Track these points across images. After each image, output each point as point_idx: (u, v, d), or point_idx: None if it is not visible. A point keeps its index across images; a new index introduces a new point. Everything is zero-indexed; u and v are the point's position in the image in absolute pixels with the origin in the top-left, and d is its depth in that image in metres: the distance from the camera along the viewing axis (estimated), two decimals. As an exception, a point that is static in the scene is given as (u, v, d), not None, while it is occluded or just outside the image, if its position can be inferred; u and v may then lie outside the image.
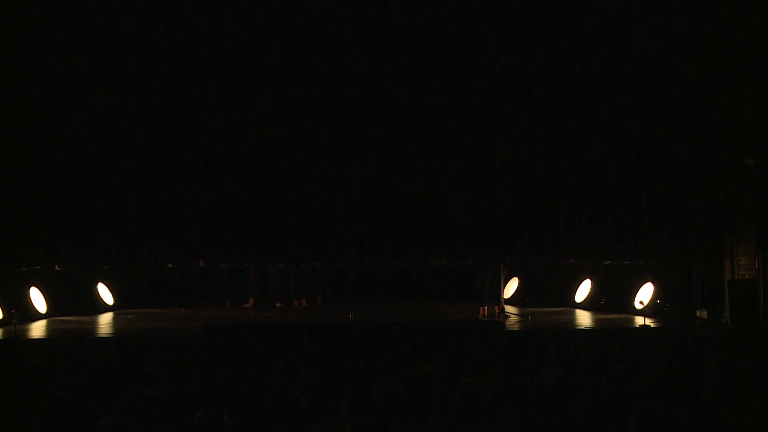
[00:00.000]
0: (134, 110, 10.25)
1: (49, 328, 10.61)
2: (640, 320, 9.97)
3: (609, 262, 11.12)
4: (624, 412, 5.22)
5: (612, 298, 11.51)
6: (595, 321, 10.98)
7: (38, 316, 11.24)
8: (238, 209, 10.46)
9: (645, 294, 10.84)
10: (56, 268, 10.87)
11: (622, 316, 10.96)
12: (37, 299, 11.39)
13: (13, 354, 8.88)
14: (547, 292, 12.47)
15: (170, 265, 10.89)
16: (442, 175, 10.50)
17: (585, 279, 12.21)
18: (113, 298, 12.57)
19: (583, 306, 12.03)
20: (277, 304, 12.60)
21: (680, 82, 10.26)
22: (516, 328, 10.27)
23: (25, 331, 10.20)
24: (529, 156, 10.45)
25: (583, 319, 11.21)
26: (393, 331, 9.38)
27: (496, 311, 10.92)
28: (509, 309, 11.24)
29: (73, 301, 11.90)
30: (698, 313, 10.56)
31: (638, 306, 10.66)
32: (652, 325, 9.82)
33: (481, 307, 11.01)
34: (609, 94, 10.39)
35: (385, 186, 10.46)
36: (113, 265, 10.92)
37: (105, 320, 11.55)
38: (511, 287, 12.39)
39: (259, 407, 5.66)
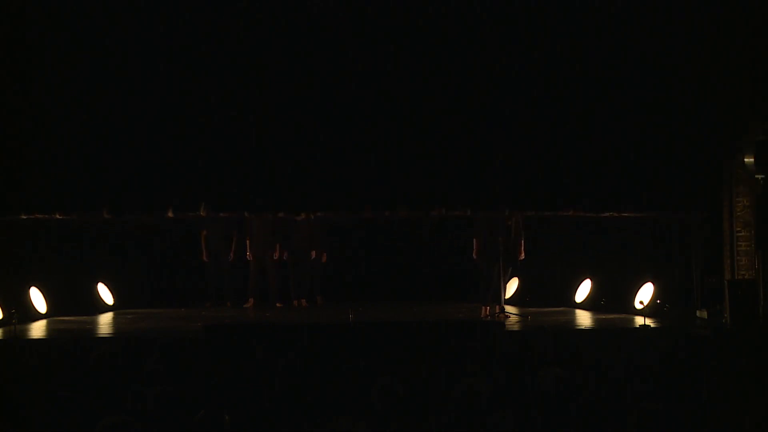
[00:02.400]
0: (136, 60, 10.31)
1: (49, 328, 10.61)
2: (640, 320, 9.97)
3: (608, 214, 11.13)
4: (624, 412, 5.22)
5: (612, 298, 11.52)
6: (595, 321, 10.98)
7: (38, 316, 11.24)
8: (239, 159, 10.52)
9: (645, 294, 10.83)
10: (57, 216, 10.88)
11: (622, 316, 10.96)
12: (37, 299, 11.40)
13: (13, 354, 8.88)
14: (547, 292, 12.48)
15: (170, 214, 10.88)
16: (442, 126, 10.54)
17: (585, 279, 12.22)
18: (113, 298, 12.58)
19: (583, 306, 12.03)
20: (277, 304, 12.60)
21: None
22: (516, 328, 10.26)
23: (25, 331, 10.21)
24: (530, 110, 10.53)
25: (583, 319, 11.21)
26: (393, 331, 9.37)
27: (496, 311, 10.92)
28: (509, 309, 11.23)
29: (73, 301, 11.91)
30: (698, 313, 10.57)
31: (638, 306, 10.66)
32: (652, 325, 9.82)
33: (481, 307, 11.01)
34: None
35: (384, 136, 10.50)
36: (113, 213, 10.91)
37: (105, 320, 11.56)
38: (511, 287, 12.38)
39: (259, 407, 5.67)
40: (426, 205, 10.88)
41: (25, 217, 10.72)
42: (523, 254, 11.25)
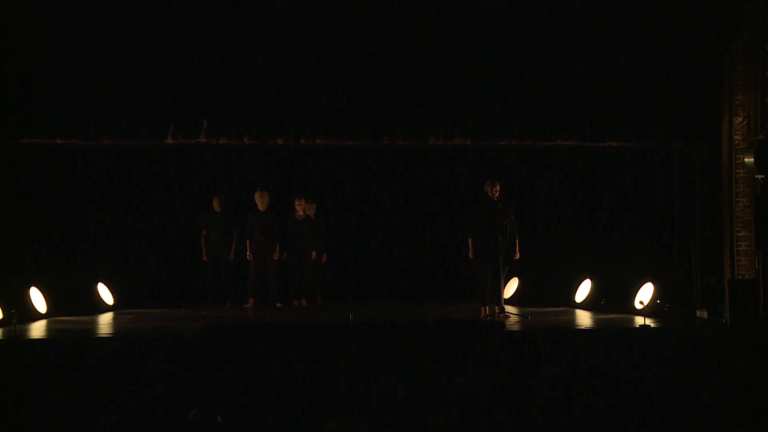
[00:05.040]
0: None
1: (49, 328, 10.60)
2: (640, 320, 9.97)
3: (607, 144, 11.24)
4: (624, 413, 5.22)
5: (612, 298, 11.52)
6: (595, 321, 10.98)
7: (38, 316, 11.24)
8: (239, 85, 10.57)
9: (645, 294, 10.84)
10: (58, 141, 10.91)
11: (622, 316, 10.96)
12: (37, 299, 11.39)
13: (13, 354, 8.88)
14: (547, 292, 12.48)
15: (170, 140, 10.89)
16: (441, 53, 10.66)
17: (585, 279, 12.22)
18: (113, 298, 12.57)
19: (583, 306, 12.04)
20: (277, 304, 12.59)
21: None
22: (516, 328, 10.26)
23: (25, 331, 10.19)
24: (528, 39, 10.67)
25: (583, 319, 11.21)
26: (393, 331, 9.37)
27: (496, 311, 10.92)
28: (509, 309, 11.23)
29: (73, 301, 11.90)
30: (698, 313, 10.57)
31: (638, 306, 10.66)
32: (652, 325, 9.82)
33: (481, 307, 11.01)
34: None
35: (384, 63, 10.57)
36: (113, 138, 10.96)
37: (105, 320, 11.54)
38: (511, 287, 12.39)
39: (259, 407, 5.66)
40: (425, 133, 10.95)
41: (25, 141, 10.77)
42: (518, 254, 11.24)
